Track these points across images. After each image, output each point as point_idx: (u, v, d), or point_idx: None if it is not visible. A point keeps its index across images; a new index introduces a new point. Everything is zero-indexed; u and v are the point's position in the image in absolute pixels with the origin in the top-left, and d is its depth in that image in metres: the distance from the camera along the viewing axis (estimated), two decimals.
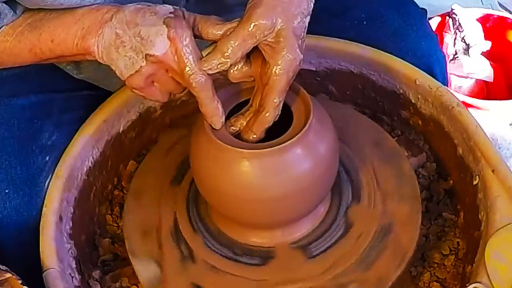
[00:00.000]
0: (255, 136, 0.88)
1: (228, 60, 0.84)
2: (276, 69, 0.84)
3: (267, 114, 0.86)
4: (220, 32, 0.86)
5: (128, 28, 0.85)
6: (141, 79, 0.87)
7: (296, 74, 0.86)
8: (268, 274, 0.91)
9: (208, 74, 0.84)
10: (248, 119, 0.89)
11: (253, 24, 0.83)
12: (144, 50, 0.84)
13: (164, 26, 0.84)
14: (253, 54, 0.87)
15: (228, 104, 0.90)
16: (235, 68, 0.88)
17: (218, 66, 0.84)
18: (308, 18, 0.87)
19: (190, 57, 0.84)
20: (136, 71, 0.86)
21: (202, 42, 0.87)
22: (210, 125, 0.88)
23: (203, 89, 0.85)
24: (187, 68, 0.84)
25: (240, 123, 0.89)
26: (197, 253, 0.94)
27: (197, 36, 0.86)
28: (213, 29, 0.86)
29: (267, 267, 0.92)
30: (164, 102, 1.10)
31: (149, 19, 0.85)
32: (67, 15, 0.89)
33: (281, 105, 0.86)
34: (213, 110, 0.87)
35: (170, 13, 0.86)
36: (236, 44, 0.83)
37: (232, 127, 0.89)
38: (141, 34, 0.84)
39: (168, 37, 0.83)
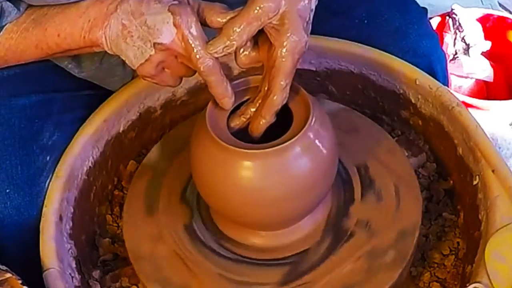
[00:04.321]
0: (264, 120, 0.88)
1: (234, 43, 0.84)
2: (281, 51, 0.84)
3: (275, 97, 0.86)
4: (225, 20, 0.86)
5: (134, 18, 0.85)
6: (152, 67, 0.87)
7: (302, 56, 0.86)
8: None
9: (215, 58, 0.85)
10: (257, 105, 0.89)
11: (258, 7, 0.83)
12: (152, 39, 0.85)
13: (170, 13, 0.84)
14: (261, 39, 0.87)
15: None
16: (243, 54, 0.88)
17: (224, 49, 0.84)
18: (315, 0, 0.87)
19: (197, 42, 0.84)
20: (146, 60, 0.87)
21: (210, 32, 0.88)
22: (211, 125, 0.88)
23: (212, 73, 0.86)
24: (195, 53, 0.85)
25: (250, 110, 0.89)
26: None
27: (201, 23, 0.86)
28: (217, 17, 0.87)
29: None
30: (164, 102, 1.11)
31: (154, 7, 0.85)
32: (71, 9, 0.90)
33: (288, 87, 0.86)
34: (223, 92, 0.87)
35: (174, 0, 0.86)
36: (241, 27, 0.84)
37: (243, 116, 0.89)
38: (147, 23, 0.85)
39: (174, 24, 0.84)
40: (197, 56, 0.85)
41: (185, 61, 0.88)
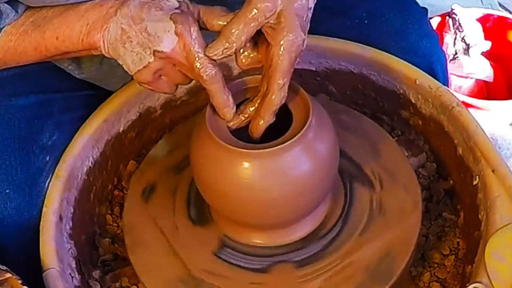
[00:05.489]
0: (263, 121, 0.87)
1: (234, 44, 0.84)
2: (278, 50, 0.84)
3: (273, 96, 0.86)
4: (225, 23, 0.86)
5: (134, 24, 0.85)
6: (149, 74, 0.87)
7: (300, 55, 0.86)
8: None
9: (214, 60, 0.85)
10: (256, 104, 0.89)
11: (254, 8, 0.83)
12: (152, 46, 0.85)
13: (171, 22, 0.84)
14: (260, 39, 0.87)
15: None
16: (243, 55, 0.88)
17: (223, 52, 0.84)
18: None
19: (199, 50, 0.84)
20: (144, 67, 0.86)
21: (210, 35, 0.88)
22: (211, 124, 0.88)
23: (214, 82, 0.86)
24: (197, 62, 0.84)
25: (249, 109, 0.89)
26: None
27: (202, 28, 0.86)
28: (218, 20, 0.87)
29: None
30: (164, 102, 1.11)
31: (155, 14, 0.85)
32: (70, 12, 0.89)
33: (286, 86, 0.86)
34: (224, 101, 0.87)
35: (176, 8, 0.86)
36: (239, 28, 0.83)
37: (242, 115, 0.89)
38: (148, 30, 0.84)
39: (176, 33, 0.84)
40: (199, 65, 0.85)
41: (183, 70, 0.87)
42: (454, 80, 1.77)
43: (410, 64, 1.06)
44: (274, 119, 0.88)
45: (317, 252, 0.93)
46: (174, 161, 1.04)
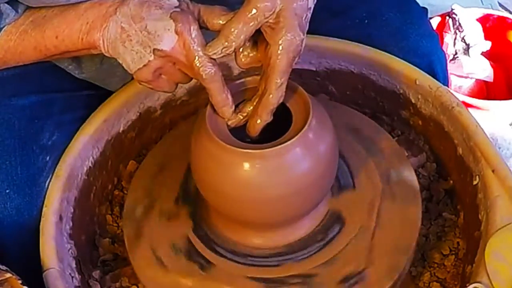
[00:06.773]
0: (260, 120, 0.88)
1: (233, 43, 0.84)
2: (276, 49, 0.84)
3: (271, 96, 0.86)
4: (225, 22, 0.86)
5: (133, 22, 0.85)
6: (149, 72, 0.87)
7: (299, 55, 0.86)
8: None
9: (214, 59, 0.85)
10: (254, 103, 0.89)
11: (254, 7, 0.83)
12: (152, 45, 0.85)
13: (171, 20, 0.84)
14: (260, 39, 0.87)
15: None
16: (243, 54, 0.89)
17: (223, 51, 0.84)
18: None
19: (199, 49, 0.84)
20: (144, 65, 0.86)
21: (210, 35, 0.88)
22: (211, 124, 0.88)
23: (213, 80, 0.86)
24: (196, 61, 0.85)
25: (248, 108, 0.89)
26: None
27: (202, 27, 0.87)
28: (218, 19, 0.87)
29: None
30: (164, 102, 1.11)
31: (154, 13, 0.85)
32: (70, 11, 0.89)
33: (284, 86, 0.86)
34: (223, 100, 0.87)
35: (176, 7, 0.86)
36: (238, 27, 0.83)
37: (240, 114, 0.89)
38: (148, 28, 0.85)
39: (176, 32, 0.84)
40: (199, 64, 0.85)
41: (183, 68, 0.87)
42: (454, 80, 1.77)
43: (410, 64, 1.06)
44: (272, 118, 0.88)
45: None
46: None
